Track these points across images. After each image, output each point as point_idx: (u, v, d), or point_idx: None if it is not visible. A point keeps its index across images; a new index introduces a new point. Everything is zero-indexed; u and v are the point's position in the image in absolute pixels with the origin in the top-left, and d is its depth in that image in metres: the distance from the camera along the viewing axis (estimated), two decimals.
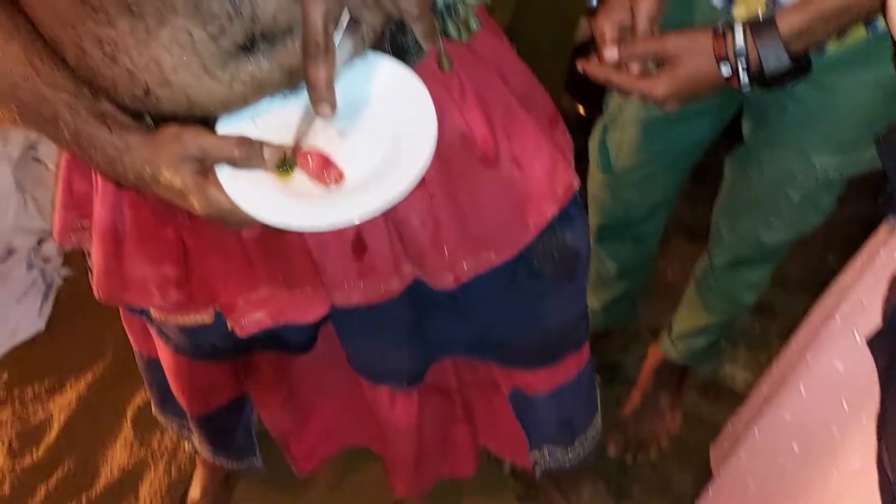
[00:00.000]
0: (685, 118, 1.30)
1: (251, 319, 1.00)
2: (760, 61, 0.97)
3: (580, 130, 1.57)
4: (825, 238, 1.91)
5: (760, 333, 1.99)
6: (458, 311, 1.09)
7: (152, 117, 0.76)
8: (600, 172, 1.53)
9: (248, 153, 0.71)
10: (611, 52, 1.05)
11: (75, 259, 2.23)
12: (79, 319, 2.11)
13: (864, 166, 1.24)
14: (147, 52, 0.69)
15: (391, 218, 0.92)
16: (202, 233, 0.94)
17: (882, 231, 1.00)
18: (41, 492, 1.81)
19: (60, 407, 1.96)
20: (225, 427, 1.48)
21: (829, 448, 0.90)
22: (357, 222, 0.72)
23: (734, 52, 0.98)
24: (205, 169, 0.73)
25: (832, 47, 1.07)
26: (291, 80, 0.74)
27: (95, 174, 0.95)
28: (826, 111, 1.16)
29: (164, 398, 1.43)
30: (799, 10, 0.96)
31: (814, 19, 0.95)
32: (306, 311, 1.00)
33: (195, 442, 1.54)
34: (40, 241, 2.22)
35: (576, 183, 1.02)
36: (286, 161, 0.74)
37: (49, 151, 2.26)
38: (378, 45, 0.79)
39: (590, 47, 1.11)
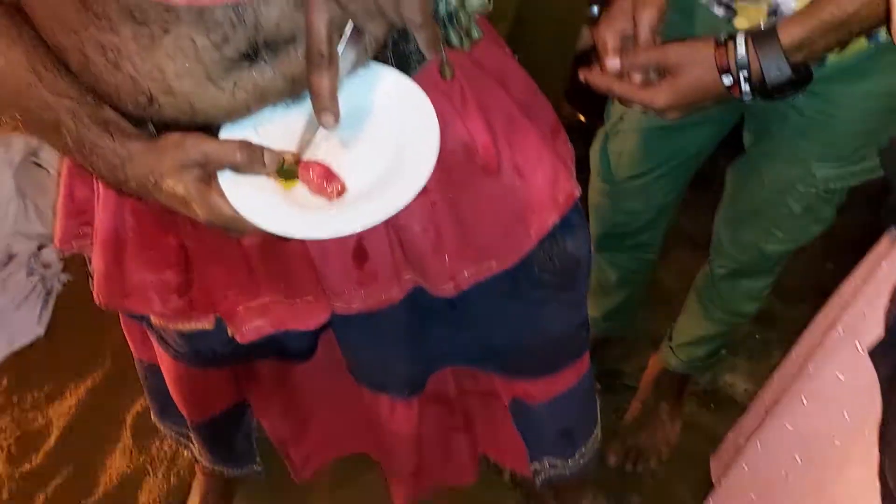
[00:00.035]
0: (686, 127, 1.30)
1: (252, 326, 0.99)
2: (762, 72, 0.97)
3: (581, 139, 1.57)
4: (824, 247, 1.91)
5: (760, 343, 1.99)
6: (458, 318, 1.09)
7: (155, 125, 0.75)
8: (601, 181, 1.54)
9: (250, 157, 0.71)
10: (613, 62, 1.06)
11: (75, 265, 2.22)
12: (78, 326, 2.11)
13: (865, 176, 1.24)
14: (150, 60, 0.69)
15: (392, 225, 0.92)
16: (204, 240, 0.94)
17: (883, 242, 1.00)
18: (40, 498, 1.81)
19: (59, 413, 1.96)
20: (224, 434, 1.47)
21: (831, 459, 0.90)
22: (359, 231, 0.72)
23: (735, 63, 0.98)
24: (207, 176, 0.73)
25: (833, 58, 1.07)
26: (294, 89, 0.74)
27: (97, 180, 0.95)
28: (827, 121, 1.16)
29: (164, 405, 1.43)
30: (800, 21, 0.96)
31: (814, 31, 0.95)
32: (307, 318, 1.00)
33: (195, 450, 1.53)
34: (40, 247, 2.22)
35: (577, 191, 1.02)
36: (288, 170, 0.74)
37: (50, 156, 2.26)
38: (380, 54, 0.79)
39: (591, 55, 1.12)
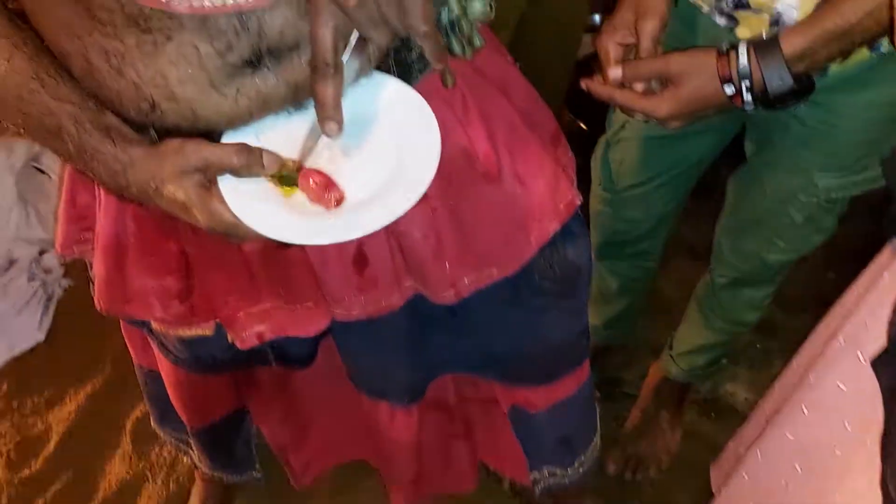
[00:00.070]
0: (687, 136, 1.30)
1: (252, 332, 0.99)
2: (764, 82, 0.97)
3: (582, 147, 1.57)
4: (826, 256, 1.91)
5: (761, 352, 1.99)
6: (458, 326, 1.09)
7: (157, 131, 0.76)
8: (602, 189, 1.54)
9: (248, 160, 0.71)
10: (615, 72, 1.06)
11: (76, 270, 2.22)
12: (79, 331, 2.11)
13: (867, 186, 1.24)
14: (153, 66, 0.69)
15: (393, 231, 0.92)
16: (205, 246, 0.94)
17: (886, 252, 1.00)
18: None
19: (59, 419, 1.96)
20: (224, 440, 1.47)
21: (832, 469, 0.90)
22: (359, 237, 0.72)
23: (738, 72, 0.98)
24: (207, 181, 0.73)
25: (835, 67, 1.07)
26: (297, 97, 0.75)
27: (98, 186, 0.95)
28: (828, 131, 1.17)
29: (164, 411, 1.43)
30: (801, 31, 0.96)
31: (816, 41, 0.95)
32: (307, 324, 1.00)
33: (194, 456, 1.53)
34: (42, 252, 2.22)
35: (578, 199, 1.02)
36: (289, 177, 0.74)
37: (52, 162, 2.26)
38: (381, 62, 0.79)
39: (592, 63, 1.12)
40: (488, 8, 0.85)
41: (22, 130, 0.75)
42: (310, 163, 0.75)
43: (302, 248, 0.91)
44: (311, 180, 0.74)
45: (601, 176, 1.52)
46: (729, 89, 1.00)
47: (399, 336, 1.09)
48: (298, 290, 0.97)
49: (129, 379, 1.57)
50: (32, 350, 2.10)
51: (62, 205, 1.04)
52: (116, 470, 1.85)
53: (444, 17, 0.84)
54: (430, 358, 1.16)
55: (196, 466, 1.62)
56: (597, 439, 1.45)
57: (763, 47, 0.97)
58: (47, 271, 2.21)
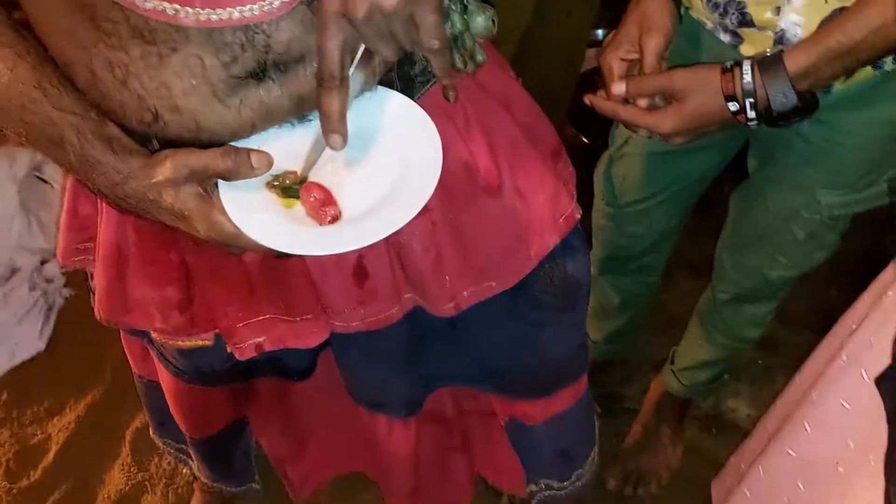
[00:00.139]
0: (690, 152, 1.30)
1: (251, 343, 0.99)
2: (768, 99, 0.97)
3: (583, 161, 1.58)
4: (828, 273, 1.91)
5: (763, 368, 1.98)
6: (457, 338, 1.09)
7: (159, 142, 0.76)
8: (605, 204, 1.54)
9: (235, 162, 0.71)
10: (618, 88, 1.06)
11: (77, 279, 2.22)
12: (79, 341, 2.10)
13: (870, 203, 1.24)
14: (158, 77, 0.69)
15: (393, 244, 0.93)
16: (205, 256, 0.94)
17: (889, 270, 1.00)
18: None
19: (59, 428, 1.95)
20: (223, 451, 1.47)
21: (834, 486, 0.90)
22: (360, 248, 0.72)
23: (742, 90, 0.98)
24: (206, 191, 0.73)
25: (838, 85, 1.07)
26: (300, 109, 0.75)
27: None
28: (831, 149, 1.16)
29: (163, 421, 1.42)
30: (806, 48, 0.96)
31: (821, 58, 0.95)
32: (306, 336, 0.99)
33: (193, 467, 1.53)
34: (43, 262, 2.22)
35: (577, 213, 1.03)
36: (291, 188, 0.74)
37: (54, 171, 2.27)
38: (384, 76, 0.79)
39: (595, 78, 1.12)
40: (491, 23, 0.85)
41: (24, 140, 0.75)
42: (312, 175, 0.75)
43: (302, 259, 0.91)
44: (312, 195, 0.74)
45: (604, 191, 1.52)
46: (733, 106, 1.00)
47: (398, 348, 1.08)
48: (298, 301, 0.96)
49: (130, 389, 1.57)
50: (33, 359, 2.10)
51: (63, 215, 1.04)
52: (115, 480, 1.85)
53: (447, 31, 0.84)
54: (429, 370, 1.16)
55: (195, 477, 1.61)
56: (595, 452, 1.44)
57: (767, 65, 0.97)
58: (49, 281, 2.21)
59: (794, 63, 0.96)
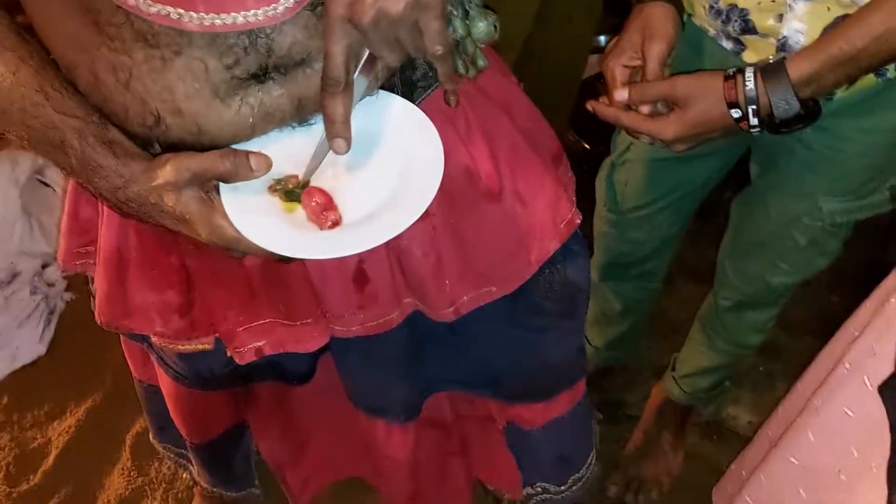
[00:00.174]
0: (692, 158, 1.30)
1: (251, 348, 0.99)
2: (770, 106, 0.97)
3: (585, 167, 1.58)
4: (830, 280, 1.91)
5: (764, 375, 1.98)
6: (457, 343, 1.09)
7: (161, 145, 0.76)
8: (606, 211, 1.54)
9: (235, 164, 0.71)
10: (621, 94, 1.06)
11: (78, 283, 2.22)
12: (80, 345, 2.10)
13: (872, 211, 1.24)
14: (161, 81, 0.70)
15: (393, 248, 0.93)
16: (206, 260, 0.94)
17: (892, 277, 1.00)
18: None
19: (59, 432, 1.95)
20: (223, 455, 1.47)
21: (837, 494, 0.90)
22: (360, 252, 0.72)
23: (744, 97, 0.98)
24: (207, 195, 0.73)
25: (841, 93, 1.07)
26: (301, 111, 0.75)
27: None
28: (833, 156, 1.16)
29: (163, 426, 1.42)
30: (808, 56, 0.96)
31: (823, 66, 0.95)
32: (306, 340, 0.99)
33: (193, 471, 1.52)
34: (44, 266, 2.22)
35: (578, 219, 1.03)
36: (293, 192, 0.74)
37: (56, 175, 2.27)
38: (386, 81, 0.80)
39: (597, 84, 1.12)
40: (493, 29, 0.85)
41: (26, 143, 0.75)
42: (314, 179, 0.75)
43: (302, 264, 0.91)
44: (313, 199, 0.74)
45: (606, 197, 1.52)
46: (735, 113, 1.00)
47: (398, 353, 1.08)
48: (298, 306, 0.96)
49: (130, 393, 1.56)
50: (34, 363, 2.10)
51: (65, 218, 1.04)
52: (115, 485, 1.84)
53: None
54: (428, 375, 1.16)
55: (195, 482, 1.61)
56: (593, 457, 1.44)
57: (770, 72, 0.97)
58: (50, 285, 2.21)
59: (796, 70, 0.96)
